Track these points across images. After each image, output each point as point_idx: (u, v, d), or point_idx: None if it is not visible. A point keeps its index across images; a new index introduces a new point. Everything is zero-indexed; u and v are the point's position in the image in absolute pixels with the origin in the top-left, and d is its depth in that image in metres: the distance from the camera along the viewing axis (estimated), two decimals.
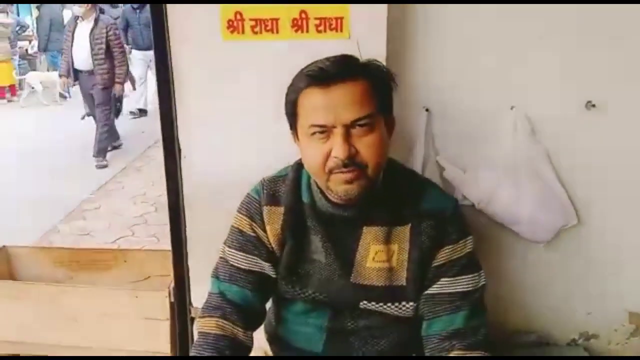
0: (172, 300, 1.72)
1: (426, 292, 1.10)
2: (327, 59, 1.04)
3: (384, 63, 1.25)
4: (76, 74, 5.36)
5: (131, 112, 7.57)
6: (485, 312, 1.11)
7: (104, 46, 5.10)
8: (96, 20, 5.12)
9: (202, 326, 1.11)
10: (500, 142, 1.56)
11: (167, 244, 1.71)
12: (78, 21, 5.22)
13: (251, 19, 1.41)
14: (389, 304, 1.11)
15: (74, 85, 5.84)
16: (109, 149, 5.74)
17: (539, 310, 1.73)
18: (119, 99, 5.66)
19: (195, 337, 1.14)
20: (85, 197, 4.57)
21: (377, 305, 1.11)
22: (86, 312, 1.79)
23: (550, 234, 1.60)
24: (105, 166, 5.43)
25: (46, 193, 4.58)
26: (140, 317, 1.75)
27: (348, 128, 1.00)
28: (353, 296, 1.11)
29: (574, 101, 1.54)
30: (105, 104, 5.35)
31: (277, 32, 1.41)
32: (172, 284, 1.71)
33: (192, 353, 1.09)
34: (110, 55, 5.16)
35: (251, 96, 1.50)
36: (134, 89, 7.59)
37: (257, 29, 1.42)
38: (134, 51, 7.26)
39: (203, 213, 1.62)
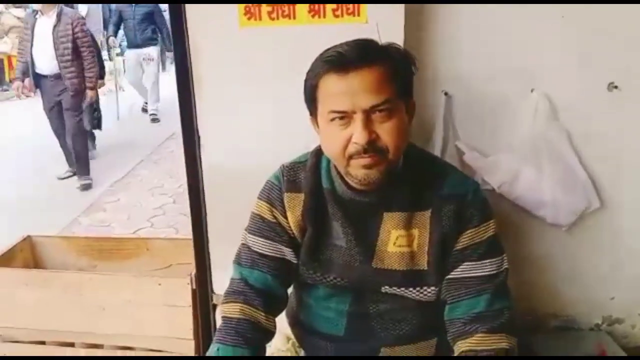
0: (194, 287, 1.74)
1: (448, 276, 1.09)
2: (346, 43, 1.03)
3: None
4: (38, 80, 4.44)
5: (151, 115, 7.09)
6: (509, 295, 1.10)
7: (70, 45, 4.23)
8: (59, 15, 4.24)
9: (225, 311, 1.13)
10: (520, 125, 1.55)
11: (186, 235, 1.73)
12: (37, 16, 4.33)
13: (268, 5, 1.41)
14: (410, 289, 1.11)
15: (34, 92, 4.71)
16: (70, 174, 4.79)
17: (562, 295, 1.72)
18: (95, 108, 4.70)
19: (218, 322, 1.16)
20: (105, 189, 4.63)
21: (398, 290, 1.11)
22: (111, 300, 1.82)
23: (572, 217, 1.58)
24: (89, 186, 4.56)
25: (66, 185, 4.67)
26: (163, 304, 1.78)
27: (368, 113, 0.99)
28: (374, 281, 1.12)
29: (595, 83, 1.51)
30: (75, 109, 4.46)
31: (294, 17, 1.41)
32: (194, 271, 1.73)
33: (215, 338, 1.10)
34: (78, 55, 4.31)
35: (269, 83, 1.49)
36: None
37: (273, 15, 1.42)
38: (127, 52, 6.78)
39: (223, 200, 1.63)
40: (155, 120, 7.13)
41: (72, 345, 1.90)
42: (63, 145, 4.74)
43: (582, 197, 1.57)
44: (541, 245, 1.66)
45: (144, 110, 7.31)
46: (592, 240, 1.64)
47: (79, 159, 4.61)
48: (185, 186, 1.67)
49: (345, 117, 1.00)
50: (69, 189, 4.62)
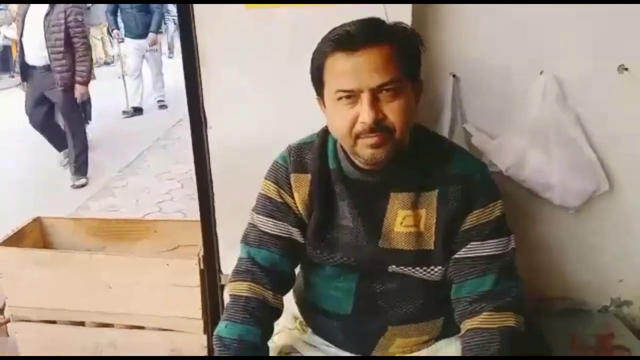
0: (202, 267, 1.76)
1: (455, 255, 1.10)
2: (353, 22, 1.03)
3: None
4: (26, 71, 4.19)
5: (124, 112, 6.74)
6: (517, 274, 1.10)
7: (62, 35, 3.92)
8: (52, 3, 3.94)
9: (232, 289, 1.14)
10: (529, 107, 1.54)
11: (194, 219, 1.74)
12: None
13: None
14: (417, 268, 1.11)
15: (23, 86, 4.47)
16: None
17: (570, 277, 1.72)
18: (85, 103, 4.41)
19: (226, 300, 1.17)
20: (113, 174, 4.66)
21: (405, 269, 1.12)
22: (120, 280, 1.84)
23: (580, 200, 1.58)
24: (84, 184, 4.37)
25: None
26: (171, 284, 1.80)
27: (375, 92, 0.99)
28: (381, 260, 1.12)
29: (605, 65, 1.50)
30: (71, 109, 4.20)
31: None
32: (202, 252, 1.74)
33: (223, 316, 1.12)
34: (71, 47, 3.99)
35: (275, 63, 1.49)
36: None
37: None
38: (127, 40, 6.50)
39: (230, 182, 1.64)
40: (162, 106, 7.03)
41: (82, 324, 1.93)
42: (51, 139, 4.49)
43: (591, 179, 1.56)
44: (549, 228, 1.66)
45: (136, 109, 6.83)
46: (600, 222, 1.63)
47: (80, 161, 4.39)
48: (193, 172, 1.68)
49: (352, 96, 1.00)
50: None
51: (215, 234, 1.72)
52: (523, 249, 1.68)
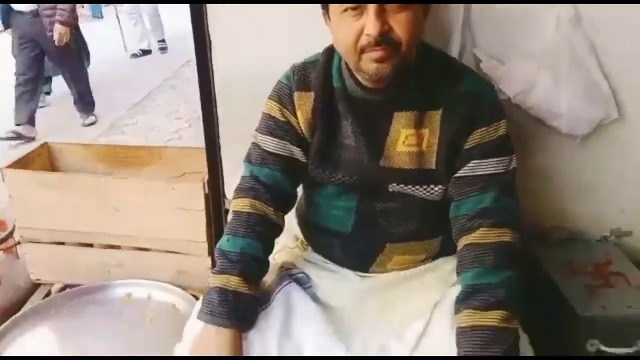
0: (207, 192, 1.78)
1: (456, 174, 1.09)
2: None
3: None
4: (9, 17, 3.96)
5: (133, 55, 6.72)
6: (516, 194, 1.10)
7: None
8: None
9: (235, 206, 1.15)
10: (542, 32, 1.48)
11: (199, 146, 1.75)
12: None
13: None
14: (417, 187, 1.11)
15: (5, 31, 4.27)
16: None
17: (571, 207, 1.72)
18: (80, 46, 4.25)
19: (230, 217, 1.19)
20: (123, 112, 4.66)
21: (405, 188, 1.12)
22: (126, 203, 1.87)
23: (589, 127, 1.55)
24: (94, 122, 4.39)
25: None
26: (177, 207, 1.82)
27: (381, 4, 0.96)
28: (382, 179, 1.12)
29: None
30: (65, 53, 4.04)
31: None
32: (207, 176, 1.76)
33: (226, 230, 1.14)
34: None
35: None
36: None
37: None
38: None
39: (235, 106, 1.63)
40: (163, 50, 6.94)
41: (90, 245, 1.98)
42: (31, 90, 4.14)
43: (601, 106, 1.53)
44: (554, 157, 1.64)
45: (134, 55, 6.75)
46: (606, 152, 1.61)
47: (85, 101, 4.38)
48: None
49: (357, 7, 0.97)
50: None
51: (220, 159, 1.73)
52: (527, 178, 1.68)
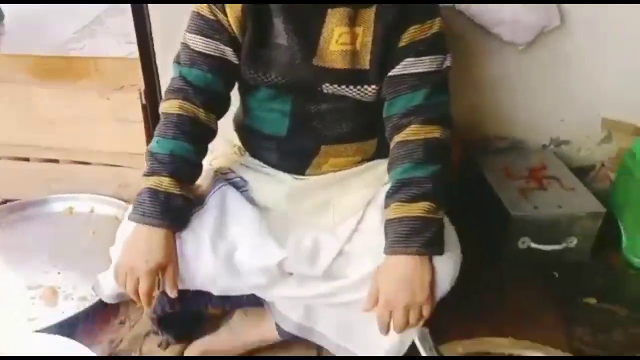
0: (144, 102, 1.72)
1: (389, 73, 1.08)
2: None
3: None
4: None
5: None
6: (448, 91, 1.10)
7: None
8: None
9: (164, 107, 1.11)
10: None
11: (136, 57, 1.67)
12: None
13: None
14: (351, 87, 1.09)
15: None
16: None
17: (512, 117, 1.75)
18: None
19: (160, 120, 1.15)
20: (70, 36, 4.37)
21: (339, 88, 1.10)
22: (60, 114, 1.79)
23: (531, 34, 1.55)
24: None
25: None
26: (114, 119, 1.76)
27: None
28: (315, 79, 1.09)
29: None
30: None
31: None
32: (143, 87, 1.69)
33: (155, 133, 1.10)
34: None
35: None
36: None
37: None
38: None
39: (168, 14, 1.55)
40: None
41: (27, 160, 1.91)
42: None
43: (543, 13, 1.53)
44: (495, 66, 1.65)
45: None
46: (546, 61, 1.62)
47: None
48: None
49: None
50: None
51: (157, 68, 1.66)
52: (469, 89, 1.68)
